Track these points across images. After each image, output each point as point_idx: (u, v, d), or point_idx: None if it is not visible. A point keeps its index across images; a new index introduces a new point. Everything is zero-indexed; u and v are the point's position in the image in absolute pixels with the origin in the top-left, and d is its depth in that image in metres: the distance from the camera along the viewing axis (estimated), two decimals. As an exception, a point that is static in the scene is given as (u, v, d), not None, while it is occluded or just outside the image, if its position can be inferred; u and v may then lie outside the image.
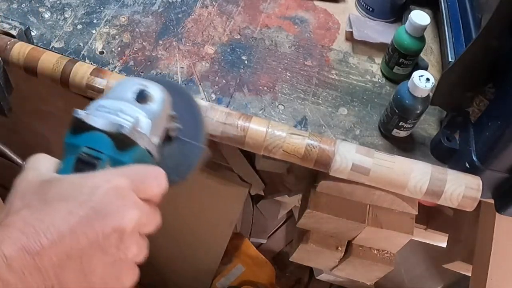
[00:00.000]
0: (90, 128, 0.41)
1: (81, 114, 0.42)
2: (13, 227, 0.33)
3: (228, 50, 0.76)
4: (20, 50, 0.65)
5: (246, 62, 0.75)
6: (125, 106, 0.42)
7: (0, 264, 0.30)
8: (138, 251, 0.37)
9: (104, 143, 0.41)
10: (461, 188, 0.59)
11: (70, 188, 0.36)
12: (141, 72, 0.71)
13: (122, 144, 0.40)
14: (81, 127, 0.42)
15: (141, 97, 0.43)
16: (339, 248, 0.79)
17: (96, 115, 0.42)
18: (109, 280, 0.36)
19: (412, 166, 0.61)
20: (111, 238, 0.35)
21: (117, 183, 0.36)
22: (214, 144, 0.68)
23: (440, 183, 0.60)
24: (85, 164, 0.40)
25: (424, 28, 0.69)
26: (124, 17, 0.78)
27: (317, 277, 1.46)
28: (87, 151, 0.41)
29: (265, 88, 0.73)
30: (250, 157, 1.06)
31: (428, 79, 0.62)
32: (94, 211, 0.34)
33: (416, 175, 0.60)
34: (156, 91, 0.44)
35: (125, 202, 0.36)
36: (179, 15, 0.80)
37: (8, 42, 0.65)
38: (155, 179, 0.39)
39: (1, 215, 0.37)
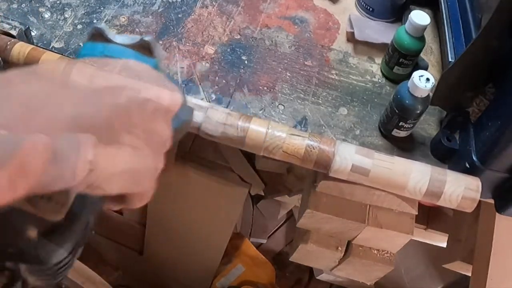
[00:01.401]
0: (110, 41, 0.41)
1: (102, 26, 0.41)
2: None
3: (228, 50, 0.76)
4: (20, 50, 0.65)
5: (246, 62, 0.75)
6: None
7: None
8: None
9: (124, 53, 0.41)
10: (460, 189, 0.59)
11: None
12: (141, 72, 0.71)
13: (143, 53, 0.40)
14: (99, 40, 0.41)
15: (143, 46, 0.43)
16: (339, 248, 0.79)
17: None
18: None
19: (412, 167, 0.61)
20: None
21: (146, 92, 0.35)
22: (215, 144, 0.68)
23: (439, 184, 0.60)
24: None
25: (424, 28, 0.69)
26: (124, 17, 0.78)
27: (317, 277, 1.46)
28: None
29: (265, 88, 0.73)
30: (250, 157, 1.06)
31: (428, 79, 0.62)
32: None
33: (416, 176, 0.60)
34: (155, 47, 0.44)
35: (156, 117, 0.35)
36: (179, 15, 0.80)
37: (8, 42, 0.65)
38: (172, 93, 0.37)
39: None
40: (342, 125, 0.70)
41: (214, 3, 0.82)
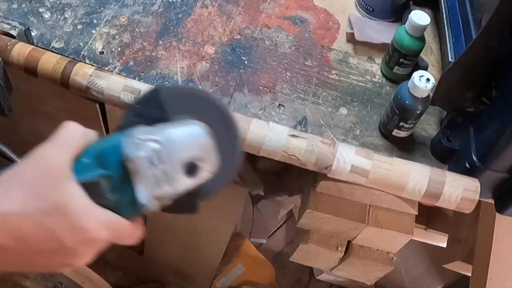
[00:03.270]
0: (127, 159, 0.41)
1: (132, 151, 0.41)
2: None
3: (228, 50, 0.76)
4: (20, 50, 0.65)
5: (246, 62, 0.75)
6: (171, 168, 0.42)
7: None
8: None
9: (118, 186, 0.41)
10: (459, 190, 0.59)
11: (59, 215, 0.38)
12: (141, 72, 0.71)
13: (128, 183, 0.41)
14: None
15: (190, 169, 0.43)
16: (339, 248, 0.79)
17: (142, 163, 0.41)
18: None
19: (411, 168, 0.61)
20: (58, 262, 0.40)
21: (98, 235, 0.39)
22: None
23: (438, 185, 0.60)
24: (96, 191, 0.41)
25: (424, 28, 0.69)
26: (124, 17, 0.78)
27: (317, 277, 1.46)
28: (108, 181, 0.41)
29: (265, 88, 0.73)
30: (250, 157, 1.06)
31: (428, 79, 0.62)
32: (63, 248, 0.38)
33: (415, 177, 0.60)
34: (208, 165, 0.43)
35: (91, 251, 0.40)
36: (179, 15, 0.80)
37: (9, 43, 0.65)
38: (129, 238, 0.42)
39: None
40: (342, 125, 0.70)
41: (214, 3, 0.82)
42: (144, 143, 0.41)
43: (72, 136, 0.42)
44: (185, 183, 0.42)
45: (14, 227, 0.36)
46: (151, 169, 0.41)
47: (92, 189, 0.40)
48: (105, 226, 0.40)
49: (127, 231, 0.42)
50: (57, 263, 0.39)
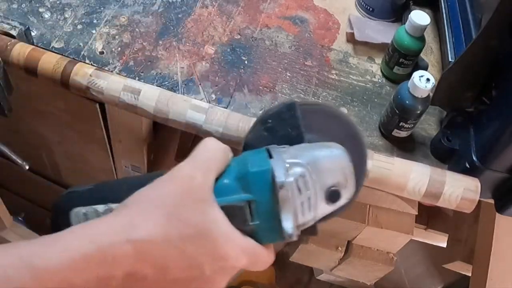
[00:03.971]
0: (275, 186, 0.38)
1: (281, 179, 0.38)
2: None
3: (228, 50, 0.76)
4: (20, 50, 0.65)
5: (246, 62, 0.75)
6: (315, 195, 0.39)
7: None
8: None
9: (266, 207, 0.39)
10: (459, 190, 0.59)
11: (202, 242, 0.36)
12: (141, 72, 0.71)
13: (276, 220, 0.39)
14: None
15: (332, 196, 0.40)
16: (339, 248, 0.79)
17: (292, 189, 0.38)
18: None
19: (411, 168, 0.61)
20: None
21: (238, 264, 0.37)
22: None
23: (438, 185, 0.60)
24: (237, 216, 0.39)
25: (424, 28, 0.69)
26: (124, 17, 0.78)
27: (317, 277, 1.46)
28: (251, 205, 0.39)
29: (265, 88, 0.73)
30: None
31: (428, 79, 0.62)
32: (202, 276, 0.36)
33: (415, 177, 0.60)
34: (348, 192, 0.41)
35: (227, 278, 0.38)
36: (179, 15, 0.80)
37: (8, 43, 0.65)
38: (262, 265, 0.40)
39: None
40: (342, 125, 0.70)
41: (214, 3, 0.82)
42: (292, 167, 0.38)
43: (215, 155, 0.39)
44: (325, 210, 0.40)
45: (156, 254, 0.34)
46: (299, 196, 0.38)
47: (233, 214, 0.38)
48: (245, 254, 0.38)
49: (263, 258, 0.40)
50: None
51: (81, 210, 0.41)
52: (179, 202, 0.35)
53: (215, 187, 0.38)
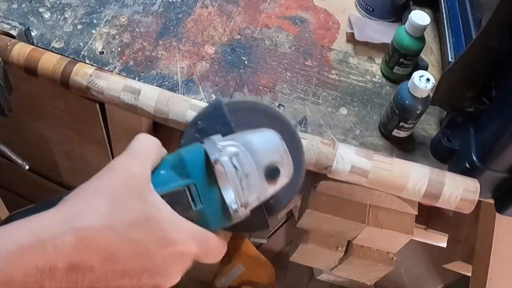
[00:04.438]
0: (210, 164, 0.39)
1: (215, 156, 0.39)
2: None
3: (228, 50, 0.76)
4: (20, 51, 0.65)
5: (246, 62, 0.75)
6: (253, 173, 0.40)
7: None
8: None
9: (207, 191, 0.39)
10: (459, 190, 0.59)
11: (146, 228, 0.35)
12: (141, 72, 0.71)
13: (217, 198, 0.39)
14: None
15: (271, 174, 0.41)
16: (339, 248, 0.79)
17: (228, 166, 0.39)
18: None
19: (411, 168, 0.61)
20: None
21: (187, 249, 0.37)
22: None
23: (438, 186, 0.60)
24: (179, 202, 0.39)
25: (424, 28, 0.69)
26: (124, 17, 0.78)
27: (317, 277, 1.46)
28: (191, 190, 0.39)
29: (265, 88, 0.73)
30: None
31: (428, 79, 0.62)
32: (152, 265, 0.35)
33: (415, 177, 0.60)
34: (286, 170, 0.42)
35: (180, 269, 0.37)
36: (179, 15, 0.80)
37: (8, 43, 0.65)
38: (215, 254, 0.40)
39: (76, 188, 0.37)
40: (342, 125, 0.70)
41: (214, 3, 0.82)
42: (225, 148, 0.39)
43: (149, 147, 0.40)
44: (267, 189, 0.41)
45: (100, 243, 0.33)
46: (236, 173, 0.39)
47: (175, 201, 0.38)
48: (193, 238, 0.37)
49: (214, 245, 0.40)
50: (144, 285, 0.36)
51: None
52: (119, 191, 0.35)
53: (152, 179, 0.38)
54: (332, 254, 0.80)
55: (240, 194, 0.39)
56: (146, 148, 0.40)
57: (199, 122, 0.46)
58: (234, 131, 0.44)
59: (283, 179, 0.42)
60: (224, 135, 0.43)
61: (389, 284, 1.34)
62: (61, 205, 0.35)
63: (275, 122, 0.47)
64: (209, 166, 0.39)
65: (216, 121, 0.45)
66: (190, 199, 0.39)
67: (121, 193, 0.35)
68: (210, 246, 0.39)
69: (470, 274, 0.81)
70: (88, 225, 0.33)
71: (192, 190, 0.39)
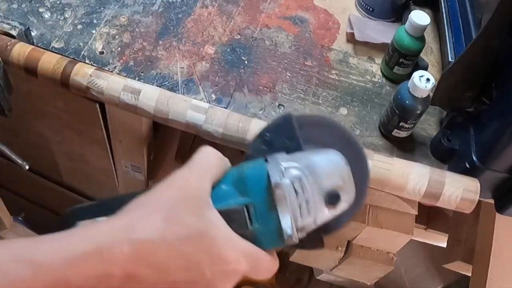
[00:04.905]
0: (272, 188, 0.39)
1: (276, 180, 0.39)
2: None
3: (228, 50, 0.76)
4: (20, 51, 0.65)
5: (246, 62, 0.75)
6: (313, 198, 0.39)
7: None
8: None
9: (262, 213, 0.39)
10: (459, 190, 0.59)
11: (200, 244, 0.36)
12: (141, 72, 0.71)
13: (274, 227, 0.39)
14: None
15: (331, 199, 0.40)
16: (339, 248, 0.79)
17: (289, 190, 0.39)
18: None
19: (411, 168, 0.61)
20: None
21: (238, 267, 0.37)
22: (215, 144, 0.68)
23: (438, 186, 0.60)
24: (236, 220, 0.39)
25: (424, 28, 0.69)
26: (124, 17, 0.78)
27: (317, 277, 1.46)
28: (250, 209, 0.39)
29: (265, 88, 0.73)
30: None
31: (428, 79, 0.62)
32: (201, 279, 0.36)
33: (415, 177, 0.60)
34: (347, 196, 0.41)
35: (229, 284, 0.38)
36: (179, 15, 0.80)
37: (8, 43, 0.65)
38: (265, 272, 0.40)
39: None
40: (342, 125, 0.70)
41: (214, 3, 0.82)
42: (288, 170, 0.39)
43: (211, 161, 0.40)
44: (325, 214, 0.40)
45: (154, 255, 0.34)
46: (296, 198, 0.39)
47: (232, 218, 0.38)
48: (246, 257, 0.38)
49: (266, 264, 0.40)
50: None
51: (86, 223, 0.42)
52: (177, 205, 0.36)
53: (212, 193, 0.39)
54: (332, 254, 0.80)
55: (297, 219, 0.39)
56: (207, 162, 0.40)
57: (267, 134, 0.45)
58: (302, 147, 0.44)
59: (343, 204, 0.41)
60: (290, 150, 0.42)
61: (389, 284, 1.34)
62: (120, 215, 0.36)
63: (343, 140, 0.47)
64: (270, 188, 0.38)
65: (284, 134, 0.45)
66: (247, 219, 0.39)
67: (179, 208, 0.36)
68: (262, 264, 0.39)
69: (470, 274, 0.81)
70: (143, 237, 0.34)
71: (250, 210, 0.39)
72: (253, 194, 0.39)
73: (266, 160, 0.40)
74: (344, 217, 0.43)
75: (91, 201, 0.47)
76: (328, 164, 0.41)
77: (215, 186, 0.40)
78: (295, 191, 0.39)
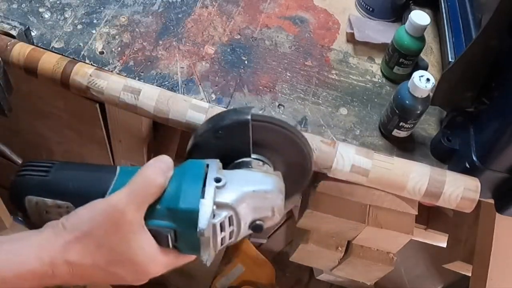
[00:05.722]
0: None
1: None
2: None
3: (228, 50, 0.76)
4: (20, 50, 0.65)
5: (246, 62, 0.75)
6: (238, 230, 0.45)
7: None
8: None
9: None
10: (459, 189, 0.59)
11: (127, 266, 0.44)
12: (141, 72, 0.71)
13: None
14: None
15: (255, 229, 0.45)
16: (339, 248, 0.79)
17: (214, 231, 0.44)
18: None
19: (411, 167, 0.61)
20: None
21: (158, 274, 0.47)
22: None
23: (438, 185, 0.60)
24: (163, 238, 0.45)
25: (424, 28, 0.69)
26: (124, 17, 0.78)
27: (317, 277, 1.46)
28: (176, 233, 0.45)
29: (265, 88, 0.73)
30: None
31: (428, 79, 0.62)
32: (122, 281, 0.45)
33: (415, 176, 0.60)
34: (273, 221, 0.46)
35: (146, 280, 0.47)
36: (179, 15, 0.80)
37: (8, 43, 0.65)
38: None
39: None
40: (342, 125, 0.70)
41: (214, 3, 0.82)
42: (220, 209, 0.43)
43: (151, 192, 0.44)
44: (245, 234, 0.45)
45: (85, 275, 0.43)
46: (220, 233, 0.43)
47: (159, 236, 0.44)
48: (166, 268, 0.46)
49: (181, 264, 0.48)
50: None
51: (34, 199, 0.48)
52: (109, 234, 0.42)
53: (148, 211, 0.44)
54: (332, 254, 0.80)
55: (217, 248, 0.44)
56: (145, 194, 0.44)
57: (220, 132, 0.48)
58: (251, 153, 0.47)
59: (265, 228, 0.46)
60: (239, 153, 0.46)
61: (389, 284, 1.34)
62: (60, 232, 0.43)
63: (288, 143, 0.50)
64: (197, 229, 0.43)
65: (237, 137, 0.48)
66: (173, 239, 0.44)
67: (111, 236, 0.42)
68: (178, 265, 0.48)
69: (470, 274, 0.81)
70: (77, 260, 0.42)
71: (176, 233, 0.44)
72: (181, 226, 0.44)
73: (203, 190, 0.44)
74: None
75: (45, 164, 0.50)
76: (263, 198, 0.44)
77: (152, 205, 0.44)
78: (221, 227, 0.43)
